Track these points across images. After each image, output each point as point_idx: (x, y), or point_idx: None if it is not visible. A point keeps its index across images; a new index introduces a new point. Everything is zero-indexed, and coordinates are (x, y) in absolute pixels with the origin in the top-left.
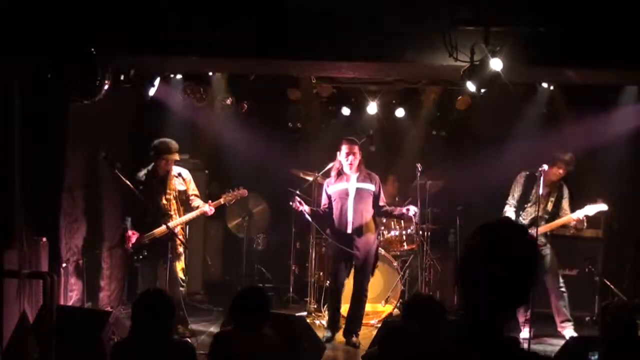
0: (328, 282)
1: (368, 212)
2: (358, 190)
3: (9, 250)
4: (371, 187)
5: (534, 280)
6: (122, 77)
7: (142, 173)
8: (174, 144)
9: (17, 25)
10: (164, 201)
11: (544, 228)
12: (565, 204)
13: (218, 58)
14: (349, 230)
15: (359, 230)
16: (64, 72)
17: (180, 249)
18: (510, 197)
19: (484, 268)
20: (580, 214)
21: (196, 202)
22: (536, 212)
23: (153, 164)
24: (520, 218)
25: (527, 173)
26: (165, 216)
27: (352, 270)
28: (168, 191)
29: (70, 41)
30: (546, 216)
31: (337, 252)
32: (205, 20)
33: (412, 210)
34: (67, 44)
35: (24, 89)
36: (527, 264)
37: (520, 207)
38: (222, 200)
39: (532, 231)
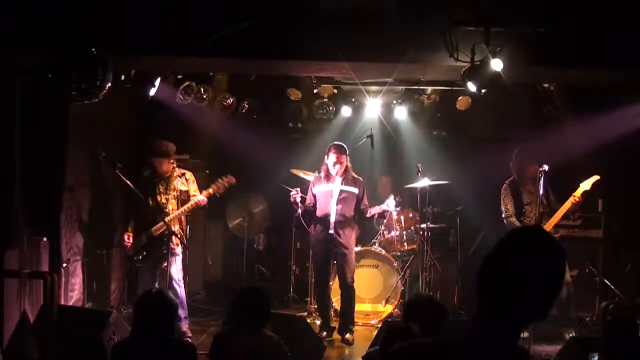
0: (313, 279)
1: (349, 215)
2: (341, 192)
3: (9, 250)
4: (355, 190)
5: (558, 293)
6: (122, 77)
7: (148, 172)
8: (166, 148)
9: (18, 25)
10: (163, 200)
11: (552, 220)
12: (552, 195)
13: (218, 58)
14: (331, 230)
15: (341, 230)
16: (64, 72)
17: (178, 249)
18: (505, 212)
19: (509, 277)
20: (578, 192)
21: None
22: (536, 212)
23: (154, 163)
24: (525, 221)
25: (508, 182)
26: (162, 214)
27: (336, 268)
28: (169, 190)
29: (70, 41)
30: (548, 209)
31: (318, 249)
32: (205, 20)
33: (391, 203)
34: (67, 44)
35: (25, 88)
36: (555, 274)
37: (520, 214)
38: (211, 190)
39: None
